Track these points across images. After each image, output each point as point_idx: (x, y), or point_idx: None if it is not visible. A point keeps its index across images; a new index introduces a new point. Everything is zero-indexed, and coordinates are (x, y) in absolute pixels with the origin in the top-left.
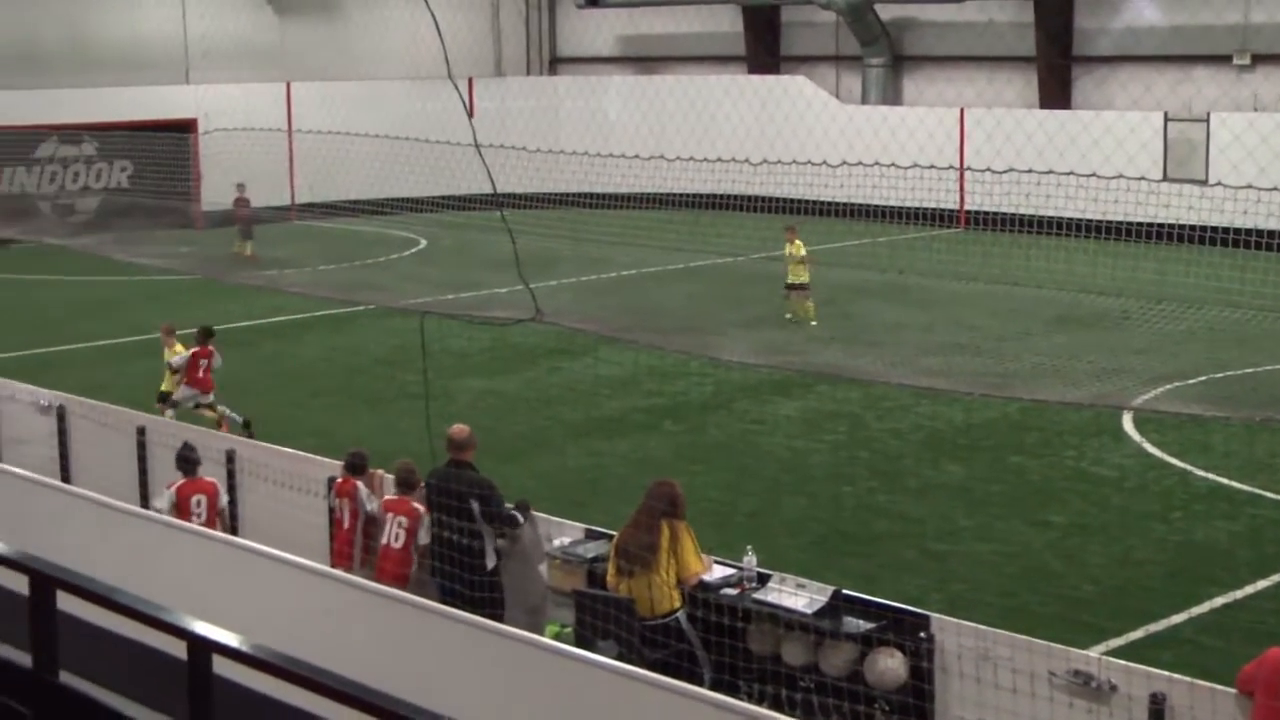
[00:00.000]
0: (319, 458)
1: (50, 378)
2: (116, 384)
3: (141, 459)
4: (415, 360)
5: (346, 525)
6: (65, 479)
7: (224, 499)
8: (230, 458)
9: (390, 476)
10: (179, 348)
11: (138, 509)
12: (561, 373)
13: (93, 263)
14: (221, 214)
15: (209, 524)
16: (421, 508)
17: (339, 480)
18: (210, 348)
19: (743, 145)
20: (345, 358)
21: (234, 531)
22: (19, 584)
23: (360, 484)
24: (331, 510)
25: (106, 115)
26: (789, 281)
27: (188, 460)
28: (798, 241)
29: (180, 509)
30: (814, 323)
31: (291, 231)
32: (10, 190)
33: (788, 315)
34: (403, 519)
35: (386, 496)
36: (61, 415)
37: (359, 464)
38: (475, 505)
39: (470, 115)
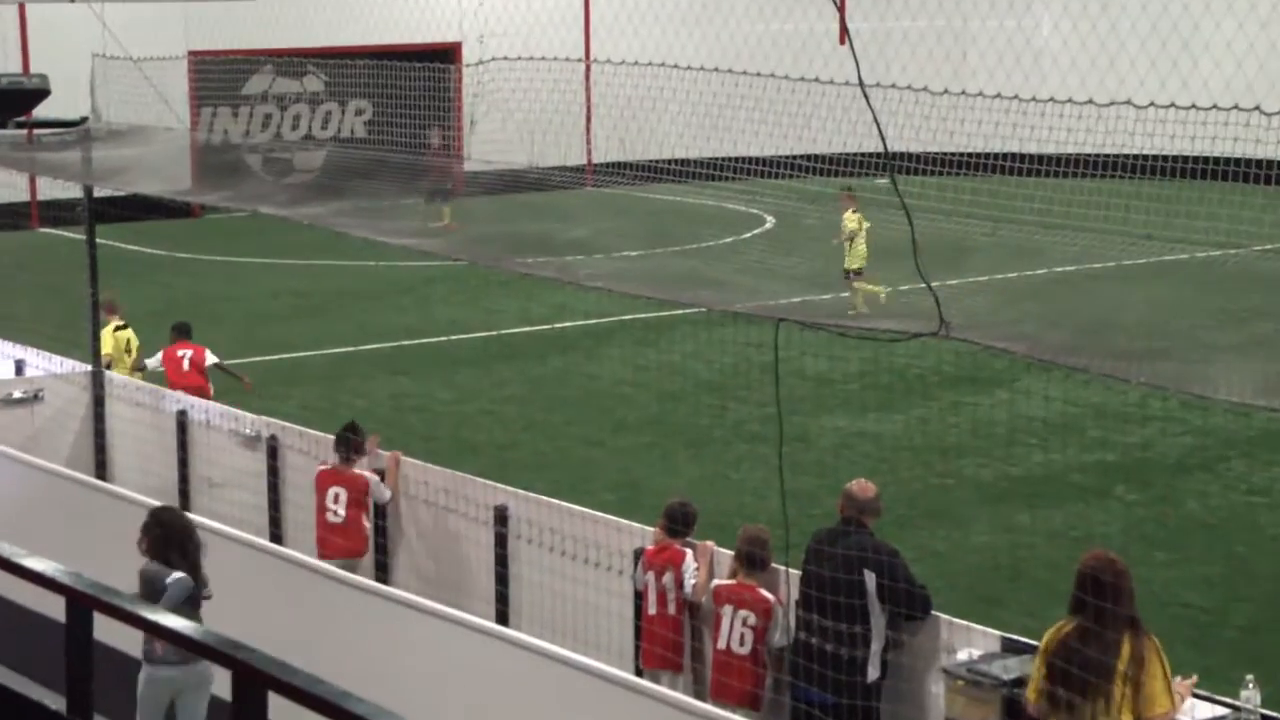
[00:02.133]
0: (622, 520)
1: (262, 397)
2: (350, 407)
3: (380, 514)
4: (757, 386)
5: (657, 611)
6: (276, 537)
7: (381, 495)
8: (500, 516)
9: (721, 551)
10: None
11: (376, 585)
12: (967, 410)
13: (319, 241)
14: (495, 175)
15: (348, 526)
16: (772, 597)
17: (653, 547)
18: (201, 346)
19: (1247, 85)
20: (659, 380)
21: (503, 619)
22: (219, 683)
23: (689, 554)
24: (638, 592)
25: (338, 37)
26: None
27: (343, 442)
28: (851, 213)
29: (317, 505)
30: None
31: (588, 202)
32: (210, 139)
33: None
34: (747, 614)
35: (720, 581)
36: (273, 450)
37: (685, 521)
38: (870, 579)
39: (842, 40)
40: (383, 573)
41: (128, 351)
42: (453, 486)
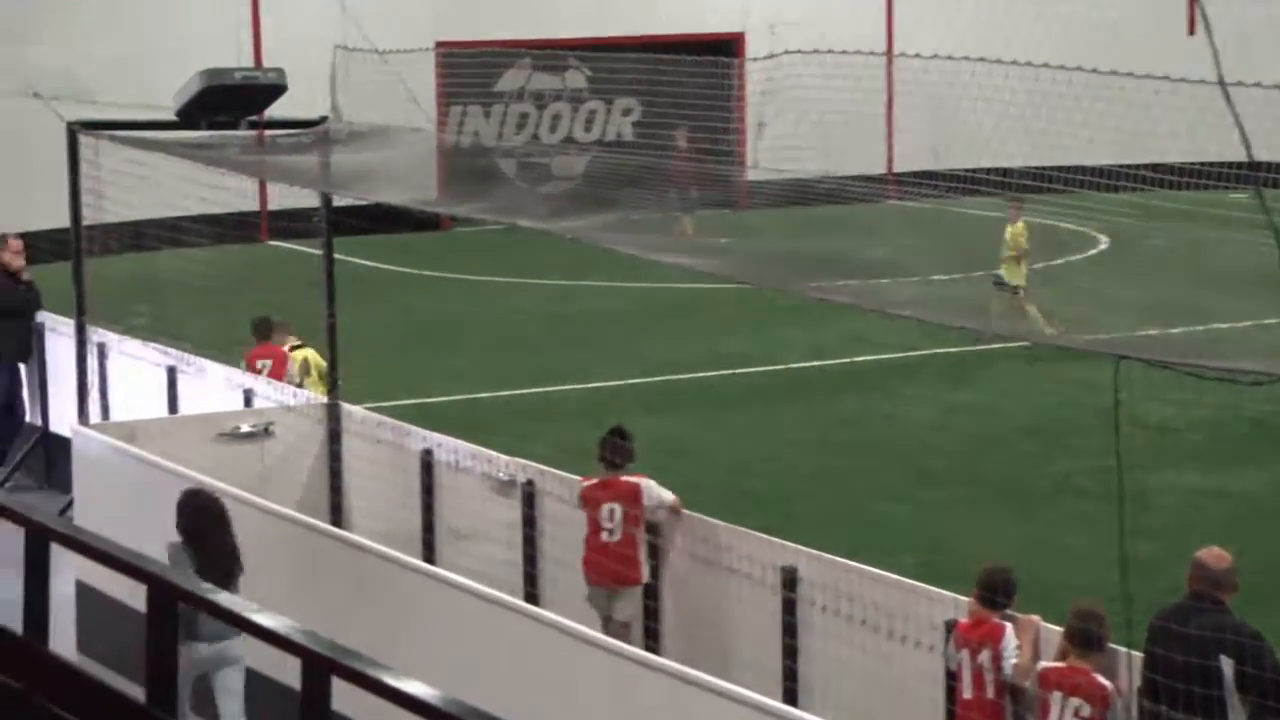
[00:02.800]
0: (931, 588)
1: (513, 435)
2: None
3: (653, 573)
4: (1089, 434)
5: (973, 694)
6: (531, 597)
7: (658, 498)
8: (788, 579)
9: (1047, 627)
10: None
11: (645, 654)
12: None
13: (580, 258)
14: (783, 185)
15: (624, 547)
16: (1109, 684)
17: (967, 620)
18: (281, 348)
19: None
20: (971, 423)
21: (791, 698)
22: None
23: (1010, 629)
24: (950, 672)
25: (604, 28)
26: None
27: (607, 461)
28: (1021, 224)
29: (589, 525)
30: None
31: (892, 217)
32: (460, 142)
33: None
34: (1080, 702)
35: (1047, 663)
36: (529, 497)
37: (1005, 591)
38: (1227, 666)
39: (1191, 30)
40: (652, 640)
41: (306, 374)
42: (732, 543)
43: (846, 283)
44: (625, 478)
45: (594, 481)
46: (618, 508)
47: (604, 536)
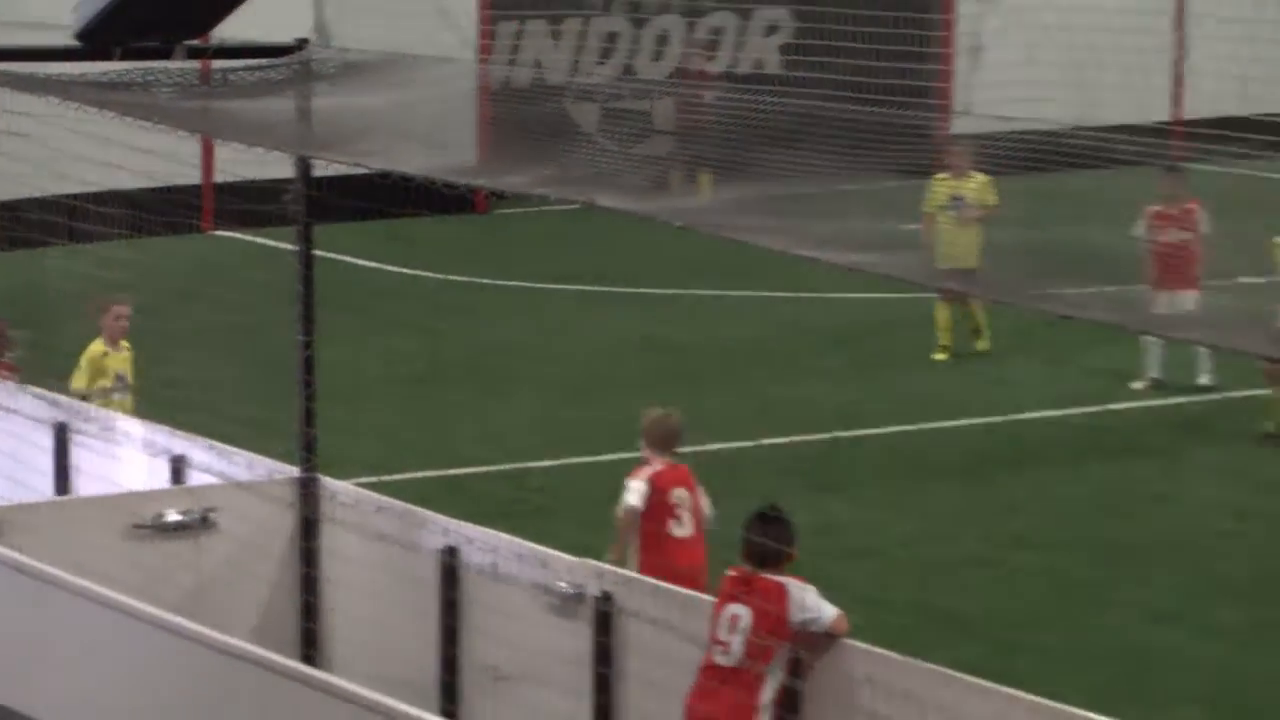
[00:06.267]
0: None
1: (586, 524)
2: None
3: None
4: None
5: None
6: None
7: (815, 606)
8: None
9: None
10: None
11: None
12: None
13: (700, 258)
14: (1005, 144)
15: (742, 679)
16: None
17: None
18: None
19: None
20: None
21: None
22: None
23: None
24: None
25: None
26: None
27: (748, 554)
28: None
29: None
30: None
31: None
32: (512, 78)
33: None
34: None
35: None
36: (603, 618)
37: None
38: None
39: None
40: None
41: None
42: (925, 690)
43: (1101, 291)
44: (770, 576)
45: (732, 574)
46: (745, 616)
47: (718, 657)
